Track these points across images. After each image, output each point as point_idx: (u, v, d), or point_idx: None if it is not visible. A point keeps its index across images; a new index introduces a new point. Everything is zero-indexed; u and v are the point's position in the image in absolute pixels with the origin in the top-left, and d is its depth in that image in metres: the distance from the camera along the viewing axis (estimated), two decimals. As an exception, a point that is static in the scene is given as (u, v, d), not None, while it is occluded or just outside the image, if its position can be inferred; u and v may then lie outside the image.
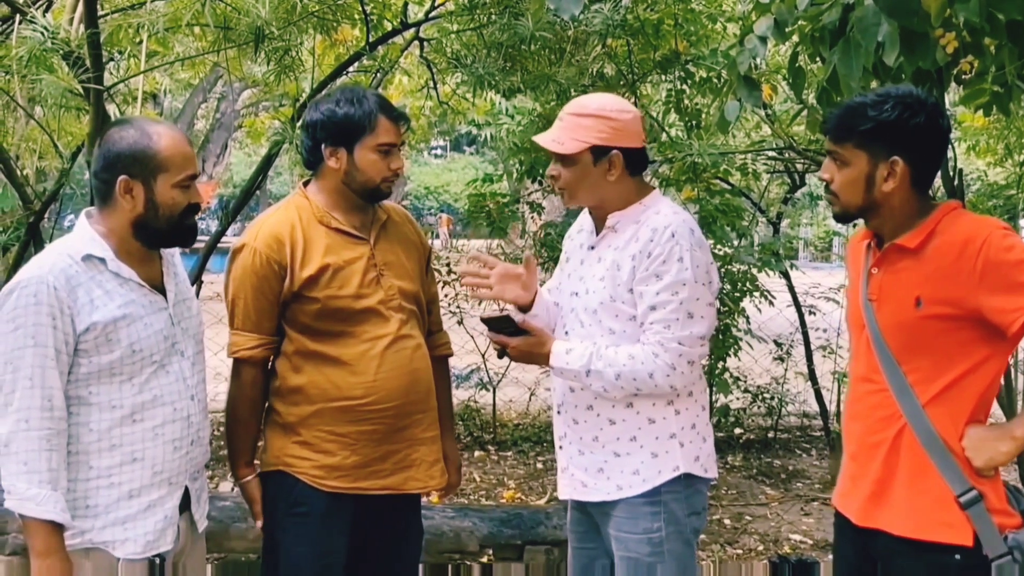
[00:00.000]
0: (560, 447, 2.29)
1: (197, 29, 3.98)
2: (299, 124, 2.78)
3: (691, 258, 2.06)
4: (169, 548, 1.98)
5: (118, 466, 1.91)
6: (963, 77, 2.37)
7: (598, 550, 2.28)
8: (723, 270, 4.98)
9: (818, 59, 2.59)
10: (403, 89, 6.82)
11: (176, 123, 9.56)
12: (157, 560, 1.96)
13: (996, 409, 1.96)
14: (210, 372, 2.18)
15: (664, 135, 4.73)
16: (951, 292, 1.76)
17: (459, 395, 6.10)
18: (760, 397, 6.09)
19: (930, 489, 1.80)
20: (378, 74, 4.83)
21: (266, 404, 2.30)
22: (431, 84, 4.72)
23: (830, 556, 3.25)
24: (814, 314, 5.88)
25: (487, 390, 6.25)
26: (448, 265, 5.79)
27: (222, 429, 2.34)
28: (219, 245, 4.48)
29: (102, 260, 1.90)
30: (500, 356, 2.24)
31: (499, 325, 2.18)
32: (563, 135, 2.14)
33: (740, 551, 4.25)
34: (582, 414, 2.21)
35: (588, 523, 2.30)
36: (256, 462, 2.31)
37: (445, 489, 2.43)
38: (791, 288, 5.77)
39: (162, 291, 2.01)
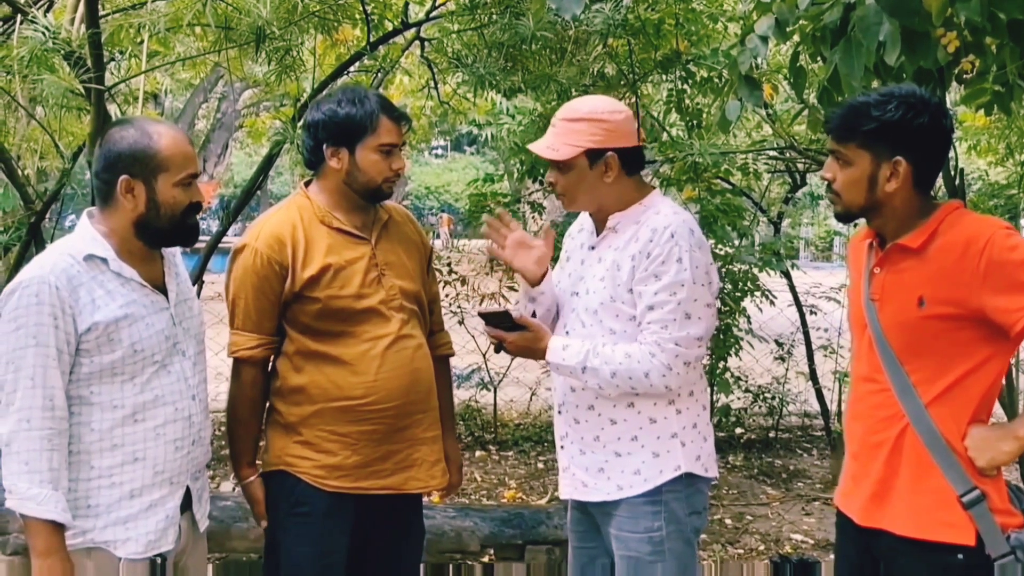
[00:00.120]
0: (561, 447, 2.29)
1: (198, 29, 3.98)
2: (300, 124, 2.78)
3: (690, 259, 2.06)
4: (170, 548, 1.98)
5: (119, 466, 1.91)
6: (964, 76, 2.37)
7: (598, 549, 2.28)
8: (724, 270, 4.99)
9: (819, 58, 2.59)
10: (404, 89, 6.82)
11: (177, 123, 9.56)
12: (158, 560, 1.96)
13: (997, 408, 1.95)
14: (211, 372, 2.18)
15: (665, 135, 4.74)
16: (954, 292, 1.76)
17: (460, 395, 6.10)
18: (761, 397, 6.09)
19: (932, 489, 1.80)
20: (379, 74, 4.84)
21: (267, 404, 2.30)
22: (432, 84, 4.73)
23: (831, 556, 3.25)
24: (815, 314, 5.88)
25: (488, 390, 6.25)
26: (449, 265, 5.79)
27: (223, 429, 2.34)
28: (220, 245, 4.48)
29: (104, 260, 1.90)
30: (497, 351, 2.24)
31: (496, 320, 2.18)
32: (557, 141, 2.14)
33: (741, 551, 4.25)
34: (583, 414, 2.21)
35: (588, 522, 2.30)
36: (258, 462, 2.31)
37: (446, 489, 2.43)
38: (792, 288, 5.77)
39: (163, 291, 2.01)
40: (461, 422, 6.06)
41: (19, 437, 1.80)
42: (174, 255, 2.09)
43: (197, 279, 4.02)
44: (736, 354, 5.36)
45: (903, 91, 1.81)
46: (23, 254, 3.91)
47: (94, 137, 3.05)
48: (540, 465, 5.61)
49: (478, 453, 5.87)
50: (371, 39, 3.98)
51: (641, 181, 2.24)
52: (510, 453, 5.90)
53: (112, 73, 4.22)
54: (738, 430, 6.23)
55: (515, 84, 3.83)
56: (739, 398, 5.98)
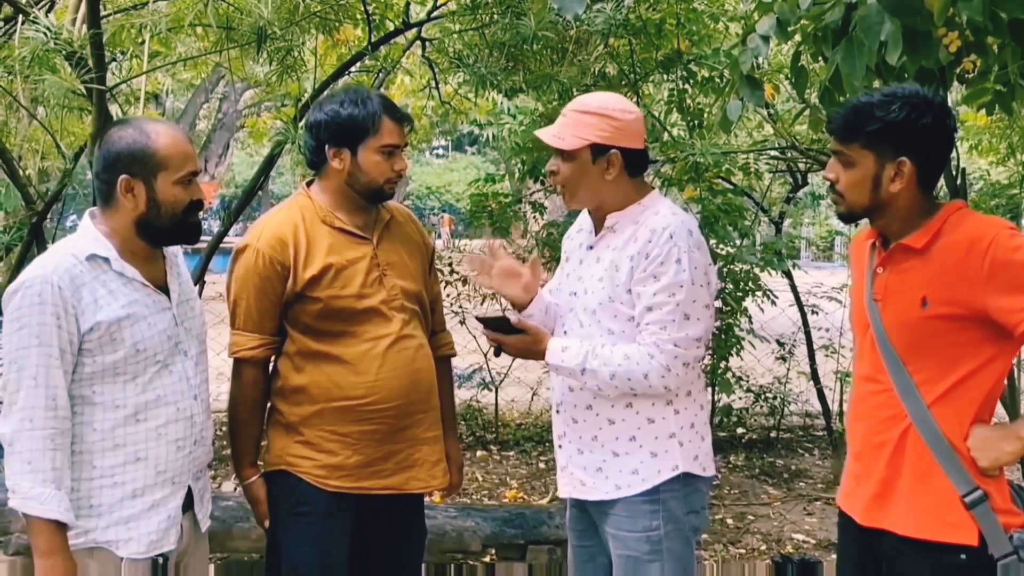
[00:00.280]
0: (559, 446, 2.29)
1: (199, 29, 3.99)
2: (302, 124, 2.78)
3: (689, 260, 2.06)
4: (172, 548, 1.98)
5: (121, 466, 1.91)
6: (966, 76, 2.37)
7: (597, 548, 2.29)
8: (725, 269, 4.98)
9: (821, 58, 2.58)
10: (405, 89, 6.83)
11: (178, 123, 9.56)
12: (160, 560, 1.96)
13: (998, 408, 1.95)
14: (213, 372, 2.19)
15: (666, 135, 4.73)
16: (957, 292, 1.76)
17: (461, 395, 6.09)
18: (763, 397, 6.08)
19: (935, 489, 1.80)
20: (380, 74, 4.84)
21: (268, 404, 2.30)
22: (433, 84, 4.73)
23: (833, 556, 3.25)
24: (816, 313, 5.88)
25: (489, 390, 6.25)
26: (450, 265, 5.79)
27: (225, 429, 2.34)
28: (221, 245, 4.48)
29: (106, 260, 1.90)
30: (496, 354, 2.25)
31: (495, 324, 2.18)
32: (564, 131, 2.14)
33: (743, 551, 4.25)
34: (581, 413, 2.21)
35: (587, 521, 2.30)
36: (259, 463, 2.31)
37: (447, 489, 2.43)
38: (793, 287, 5.77)
39: (166, 291, 2.01)
40: (462, 422, 6.06)
41: (22, 437, 1.80)
42: (176, 255, 2.10)
43: (199, 279, 4.02)
44: (737, 354, 5.35)
45: (906, 91, 1.80)
46: (25, 254, 3.91)
47: (95, 137, 3.05)
48: (541, 465, 5.61)
49: (479, 453, 5.87)
50: (372, 39, 3.98)
51: (642, 182, 2.24)
52: (511, 453, 5.90)
53: (113, 73, 4.22)
54: (739, 430, 6.22)
55: (516, 84, 3.83)
56: (740, 398, 5.97)
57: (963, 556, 1.77)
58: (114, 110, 3.74)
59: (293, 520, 2.23)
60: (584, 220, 2.33)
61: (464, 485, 4.29)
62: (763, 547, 4.29)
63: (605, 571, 2.26)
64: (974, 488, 1.77)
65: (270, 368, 2.30)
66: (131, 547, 1.92)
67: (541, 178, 4.96)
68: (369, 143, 2.18)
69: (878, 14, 2.07)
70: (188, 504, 2.04)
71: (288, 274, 2.18)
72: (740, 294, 5.15)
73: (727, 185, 5.45)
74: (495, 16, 3.60)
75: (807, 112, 3.18)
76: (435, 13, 4.14)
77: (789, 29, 2.46)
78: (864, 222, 1.96)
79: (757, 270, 5.11)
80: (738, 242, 5.09)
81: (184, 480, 2.02)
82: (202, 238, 2.24)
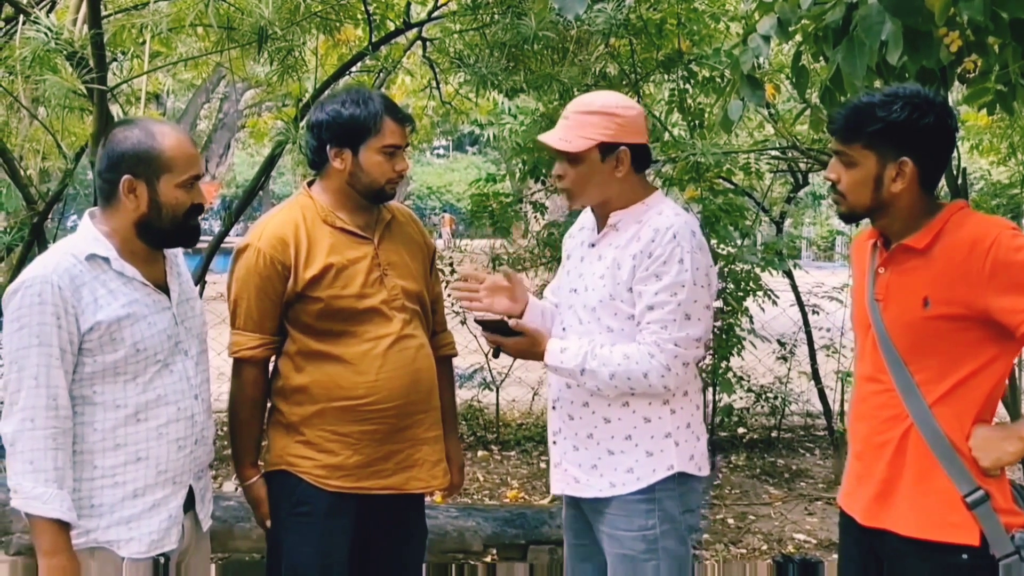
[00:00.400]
0: (554, 442, 2.30)
1: (200, 29, 3.99)
2: (304, 124, 2.78)
3: (692, 260, 2.07)
4: (173, 547, 1.98)
5: (122, 465, 1.91)
6: (967, 76, 2.37)
7: (593, 547, 2.29)
8: (726, 269, 4.98)
9: (822, 58, 2.58)
10: (406, 89, 6.83)
11: (179, 123, 9.56)
12: (161, 559, 1.96)
13: (1000, 408, 1.95)
14: (214, 372, 2.19)
15: (667, 135, 4.73)
16: (959, 292, 1.75)
17: (462, 395, 6.09)
18: (763, 396, 6.08)
19: (936, 489, 1.80)
20: (381, 74, 4.84)
21: (268, 404, 2.30)
22: (434, 84, 4.73)
23: (834, 556, 3.25)
24: (817, 313, 5.87)
25: (490, 390, 6.24)
26: (451, 265, 5.79)
27: (226, 429, 2.34)
28: (222, 245, 4.48)
29: (106, 259, 1.90)
30: (495, 356, 2.26)
31: (494, 327, 2.19)
32: (570, 133, 2.14)
33: (744, 551, 4.25)
34: (578, 410, 2.21)
35: (582, 520, 2.30)
36: (260, 463, 2.31)
37: (448, 490, 2.43)
38: (794, 287, 5.77)
39: (166, 290, 2.01)
40: (463, 422, 6.06)
41: (23, 436, 1.80)
42: (176, 255, 2.10)
43: (199, 279, 4.02)
44: (738, 354, 5.35)
45: (908, 91, 1.80)
46: (26, 254, 3.91)
47: (96, 137, 3.05)
48: (543, 465, 5.61)
49: (480, 453, 5.86)
50: (373, 39, 3.98)
51: (645, 180, 2.25)
52: (512, 453, 5.90)
53: (114, 73, 4.23)
54: (740, 430, 6.22)
55: (517, 84, 3.83)
56: (741, 398, 5.97)
57: (964, 556, 1.77)
58: (115, 110, 3.74)
59: (293, 520, 2.23)
60: (586, 218, 2.34)
61: (465, 485, 4.29)
62: (764, 547, 4.29)
63: (601, 570, 2.26)
64: (975, 488, 1.77)
65: (270, 368, 2.30)
66: (132, 547, 1.92)
67: (542, 178, 4.96)
68: (371, 143, 2.18)
69: (879, 14, 2.07)
70: (189, 504, 2.04)
71: (289, 274, 2.18)
72: (741, 294, 5.15)
73: (728, 185, 5.45)
74: (496, 16, 3.60)
75: (808, 112, 3.18)
76: (436, 13, 4.14)
77: (790, 29, 2.45)
78: (865, 222, 1.96)
79: (758, 270, 5.11)
80: (739, 242, 5.09)
81: (185, 480, 2.02)
82: (203, 238, 2.24)
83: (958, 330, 1.77)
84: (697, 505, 2.23)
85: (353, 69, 4.51)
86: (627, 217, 2.17)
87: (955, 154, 2.55)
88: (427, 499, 2.52)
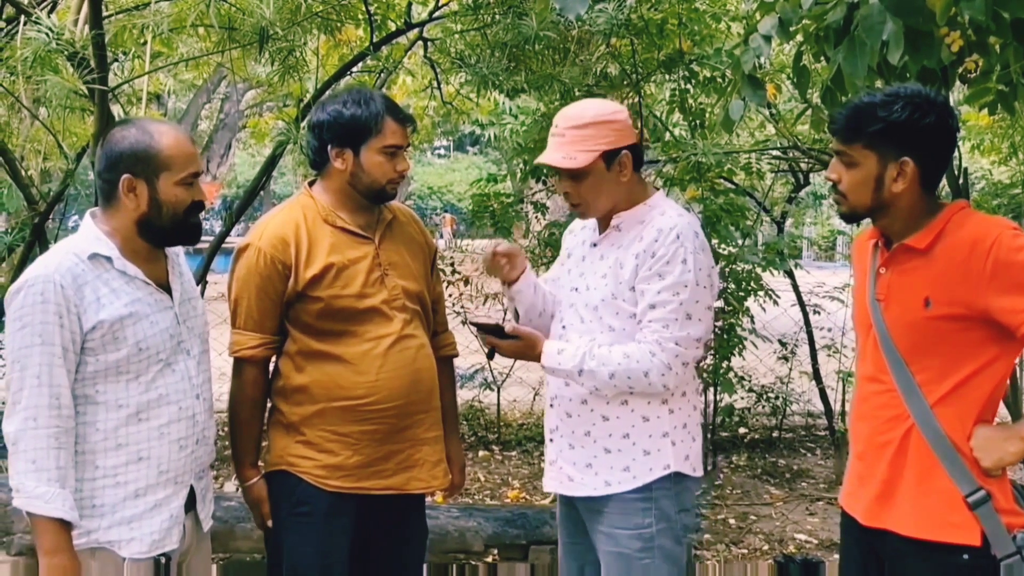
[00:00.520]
0: (551, 440, 2.31)
1: (201, 30, 3.99)
2: (305, 125, 2.78)
3: (694, 261, 2.08)
4: (174, 547, 1.98)
5: (124, 465, 1.91)
6: (968, 76, 2.37)
7: (586, 545, 2.29)
8: (727, 269, 4.98)
9: (823, 58, 2.58)
10: (407, 89, 6.83)
11: (180, 124, 9.57)
12: (162, 560, 1.96)
13: (1001, 408, 1.95)
14: (215, 372, 2.19)
15: (668, 135, 4.73)
16: (960, 292, 1.75)
17: (463, 395, 6.09)
18: (765, 396, 6.08)
19: (938, 489, 1.80)
20: (382, 74, 4.85)
21: (269, 404, 2.31)
22: (435, 84, 4.73)
23: (835, 556, 3.25)
24: (818, 313, 5.87)
25: (491, 390, 6.25)
26: (452, 265, 5.79)
27: (227, 429, 2.34)
28: (223, 245, 4.49)
29: (108, 259, 1.90)
30: (490, 357, 2.26)
31: (490, 330, 2.20)
32: (571, 150, 2.13)
33: (745, 551, 4.25)
34: (576, 408, 2.22)
35: (576, 518, 2.30)
36: (260, 464, 2.31)
37: (448, 490, 2.43)
38: (795, 287, 5.76)
39: (168, 290, 2.01)
40: (464, 422, 6.06)
41: (26, 435, 1.80)
42: (178, 254, 2.10)
43: (201, 279, 4.02)
44: (739, 354, 5.34)
45: (909, 91, 1.80)
46: (27, 254, 3.91)
47: (98, 138, 3.06)
48: (543, 465, 5.60)
49: (481, 453, 5.87)
50: (374, 39, 3.99)
51: (643, 180, 2.26)
52: (513, 453, 5.90)
53: (115, 74, 4.22)
54: (741, 430, 6.22)
55: (518, 84, 3.83)
56: (742, 398, 5.96)
57: (966, 556, 1.77)
58: (116, 110, 3.74)
59: (294, 520, 2.23)
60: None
61: (466, 485, 4.29)
62: (765, 547, 4.29)
63: (595, 569, 2.27)
64: (977, 488, 1.77)
65: (271, 368, 2.30)
66: (133, 547, 1.92)
67: (543, 178, 4.96)
68: (372, 143, 2.18)
69: (880, 14, 2.07)
70: (190, 504, 2.04)
71: (289, 273, 2.18)
72: (742, 294, 5.14)
73: (729, 185, 5.44)
74: (497, 16, 3.60)
75: (809, 112, 3.18)
76: (437, 13, 4.14)
77: (791, 29, 2.46)
78: (866, 222, 1.96)
79: (759, 270, 5.10)
80: (740, 242, 5.09)
81: (186, 480, 2.02)
82: (204, 238, 2.24)
83: (959, 330, 1.77)
84: (692, 505, 2.25)
85: (354, 69, 4.51)
86: (629, 217, 2.18)
87: (956, 154, 2.55)
88: (428, 499, 2.52)
